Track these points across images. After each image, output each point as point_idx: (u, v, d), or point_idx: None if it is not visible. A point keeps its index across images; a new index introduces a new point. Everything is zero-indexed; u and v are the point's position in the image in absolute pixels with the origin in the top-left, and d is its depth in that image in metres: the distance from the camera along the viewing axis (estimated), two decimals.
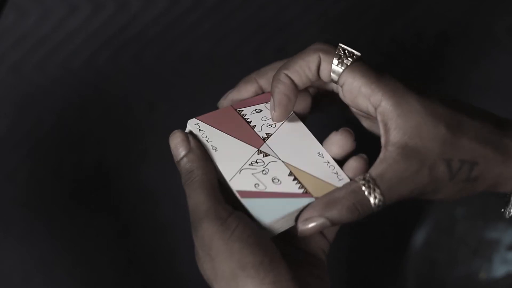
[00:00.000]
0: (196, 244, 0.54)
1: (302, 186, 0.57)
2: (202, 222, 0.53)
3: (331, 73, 0.57)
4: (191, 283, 0.85)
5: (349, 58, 0.57)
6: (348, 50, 0.57)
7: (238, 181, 0.56)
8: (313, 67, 0.58)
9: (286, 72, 0.58)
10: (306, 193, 0.56)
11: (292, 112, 0.60)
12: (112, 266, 0.84)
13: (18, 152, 0.84)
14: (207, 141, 0.58)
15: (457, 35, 0.85)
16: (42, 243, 0.84)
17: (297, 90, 0.58)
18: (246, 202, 0.55)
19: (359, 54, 0.57)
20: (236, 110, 0.60)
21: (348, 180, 0.57)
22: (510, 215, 0.60)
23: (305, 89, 0.61)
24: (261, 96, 0.61)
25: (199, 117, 0.60)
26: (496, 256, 0.79)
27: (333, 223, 0.55)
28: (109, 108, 0.85)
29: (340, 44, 0.57)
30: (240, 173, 0.57)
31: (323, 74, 0.58)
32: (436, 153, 0.55)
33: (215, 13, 0.84)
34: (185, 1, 0.85)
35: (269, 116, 0.60)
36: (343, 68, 0.57)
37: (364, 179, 0.55)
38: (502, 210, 0.60)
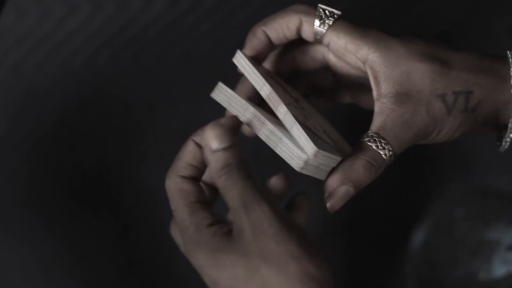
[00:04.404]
0: (252, 225, 0.51)
1: (334, 144, 0.57)
2: (260, 203, 0.51)
3: (314, 34, 0.59)
4: (191, 283, 0.85)
5: (330, 18, 0.58)
6: (328, 10, 0.58)
7: (291, 110, 0.55)
8: (293, 27, 0.59)
9: (264, 28, 0.59)
10: (338, 150, 0.57)
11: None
12: (112, 266, 0.84)
13: (18, 152, 0.84)
14: (255, 70, 0.58)
15: (457, 35, 0.85)
16: (42, 243, 0.84)
17: (271, 46, 0.60)
18: (300, 128, 0.54)
19: (339, 13, 0.59)
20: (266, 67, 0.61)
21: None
22: (505, 147, 0.60)
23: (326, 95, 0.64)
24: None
25: (243, 52, 0.60)
26: (496, 256, 0.79)
27: (356, 187, 0.56)
28: (109, 108, 0.85)
29: (319, 5, 0.58)
30: (289, 105, 0.56)
31: (306, 35, 0.59)
32: (428, 91, 0.56)
33: (215, 13, 0.84)
34: (185, 1, 0.85)
35: (291, 89, 0.62)
36: (325, 28, 0.58)
37: (367, 135, 0.56)
38: (498, 142, 0.60)
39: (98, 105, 0.85)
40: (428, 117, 0.56)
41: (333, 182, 0.56)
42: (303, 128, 0.54)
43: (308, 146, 0.54)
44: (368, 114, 0.66)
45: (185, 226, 0.55)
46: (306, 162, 0.54)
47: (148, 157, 0.85)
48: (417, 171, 0.84)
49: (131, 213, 0.85)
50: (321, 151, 0.54)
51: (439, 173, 0.85)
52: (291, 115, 0.55)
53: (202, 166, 0.57)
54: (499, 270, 0.79)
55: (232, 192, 0.52)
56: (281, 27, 0.59)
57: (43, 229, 0.84)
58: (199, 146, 0.56)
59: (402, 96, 0.56)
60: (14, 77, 0.84)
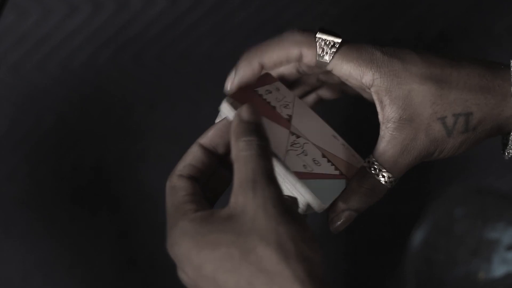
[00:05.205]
0: (256, 204, 0.50)
1: (336, 168, 0.58)
2: (270, 186, 0.50)
3: (317, 64, 0.58)
4: None
5: (332, 48, 0.58)
6: (328, 40, 0.58)
7: (290, 162, 0.55)
8: (292, 59, 0.59)
9: (260, 61, 0.59)
10: (341, 175, 0.57)
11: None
12: (112, 266, 0.84)
13: (18, 152, 0.84)
14: None
15: (457, 35, 0.85)
16: (42, 243, 0.84)
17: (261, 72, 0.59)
18: (305, 183, 0.54)
19: (339, 40, 0.58)
20: (253, 90, 0.60)
21: (362, 160, 0.59)
22: (510, 155, 0.60)
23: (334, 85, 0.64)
24: (265, 76, 0.61)
25: (232, 96, 0.58)
26: (495, 256, 0.79)
27: (357, 211, 0.58)
28: (109, 108, 0.85)
29: (318, 35, 0.58)
30: (287, 154, 0.56)
31: (308, 63, 0.59)
32: (428, 115, 0.57)
33: (215, 13, 0.84)
34: (185, 1, 0.85)
35: (281, 97, 0.60)
36: (328, 60, 0.58)
37: (369, 162, 0.58)
38: (502, 151, 0.61)
39: (98, 105, 0.85)
40: (428, 140, 0.57)
41: (335, 208, 0.58)
42: (305, 183, 0.54)
43: (314, 203, 0.54)
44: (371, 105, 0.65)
45: (171, 217, 0.54)
46: (308, 208, 0.55)
47: (148, 157, 0.85)
48: (418, 170, 0.84)
49: (131, 213, 0.85)
50: (327, 205, 0.55)
51: (439, 173, 0.85)
52: (291, 172, 0.54)
53: (202, 166, 0.56)
54: (498, 269, 0.79)
55: (247, 165, 0.51)
56: (280, 59, 0.59)
57: (43, 229, 0.84)
58: (203, 148, 0.56)
59: (404, 122, 0.57)
60: (14, 77, 0.84)
